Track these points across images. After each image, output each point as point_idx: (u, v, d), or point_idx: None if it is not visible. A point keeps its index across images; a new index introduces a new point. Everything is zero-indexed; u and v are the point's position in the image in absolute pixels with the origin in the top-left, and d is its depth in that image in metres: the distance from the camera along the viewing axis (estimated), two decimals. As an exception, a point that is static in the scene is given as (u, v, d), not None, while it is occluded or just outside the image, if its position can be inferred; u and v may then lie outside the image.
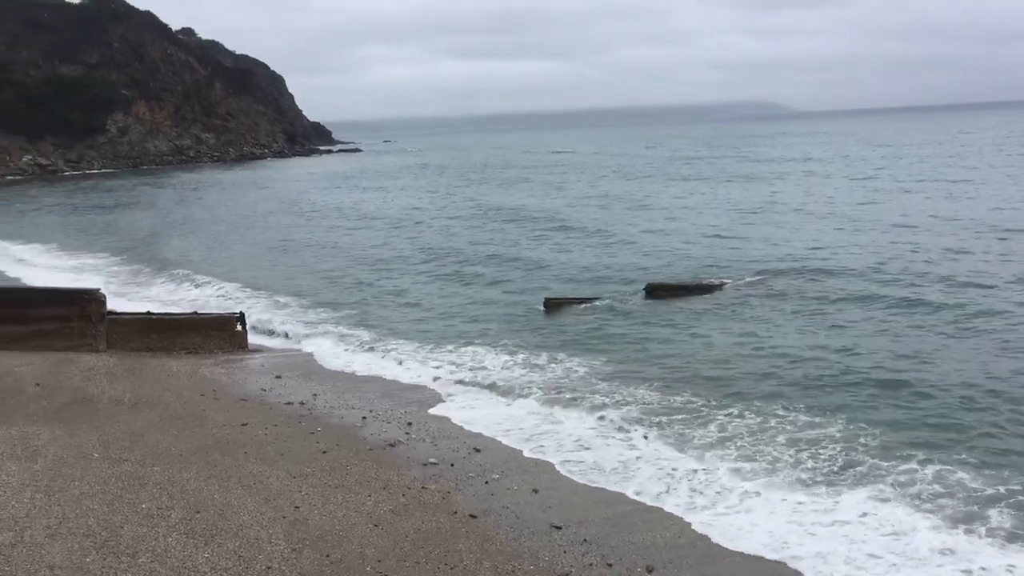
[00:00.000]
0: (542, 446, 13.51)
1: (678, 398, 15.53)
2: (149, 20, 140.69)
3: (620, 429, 14.07)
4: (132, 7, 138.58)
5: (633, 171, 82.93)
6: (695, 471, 12.22)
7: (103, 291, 20.26)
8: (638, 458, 12.82)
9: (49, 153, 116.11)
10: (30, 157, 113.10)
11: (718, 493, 11.52)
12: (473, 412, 15.23)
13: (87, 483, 11.05)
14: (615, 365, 17.96)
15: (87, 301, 19.20)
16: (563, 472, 12.50)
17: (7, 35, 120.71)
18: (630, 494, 11.63)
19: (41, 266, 34.10)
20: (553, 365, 17.99)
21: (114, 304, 21.71)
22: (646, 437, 13.68)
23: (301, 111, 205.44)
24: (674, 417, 14.54)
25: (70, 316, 18.92)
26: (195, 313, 21.58)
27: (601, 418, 14.66)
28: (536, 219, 45.06)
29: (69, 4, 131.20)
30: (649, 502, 11.38)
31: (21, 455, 11.96)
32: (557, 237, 37.97)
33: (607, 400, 15.54)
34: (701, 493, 11.54)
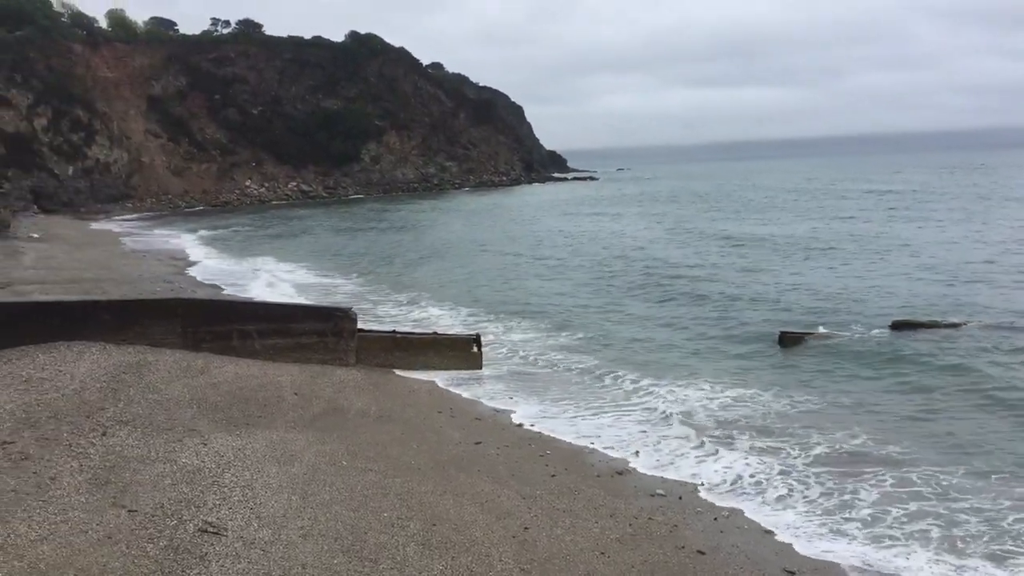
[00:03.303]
0: (776, 486, 13.02)
1: (915, 448, 14.49)
2: (402, 56, 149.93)
3: (857, 477, 13.30)
4: (388, 44, 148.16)
5: (872, 201, 78.42)
6: (931, 532, 11.38)
7: (354, 309, 21.76)
8: (875, 509, 12.08)
9: (311, 180, 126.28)
10: (295, 184, 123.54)
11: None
12: (700, 447, 14.93)
13: (336, 489, 11.87)
14: (854, 404, 17.06)
15: (341, 318, 20.69)
16: (796, 515, 11.99)
17: (279, 72, 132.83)
18: (866, 548, 10.96)
19: (292, 282, 37.03)
20: (786, 403, 17.31)
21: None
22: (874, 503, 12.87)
23: (538, 140, 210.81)
24: (915, 468, 13.57)
25: (325, 332, 20.45)
26: (435, 333, 22.65)
27: (837, 462, 13.94)
28: (771, 249, 43.73)
29: (332, 43, 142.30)
30: (881, 562, 10.68)
31: (280, 458, 13.04)
32: (793, 268, 36.63)
33: (844, 442, 14.77)
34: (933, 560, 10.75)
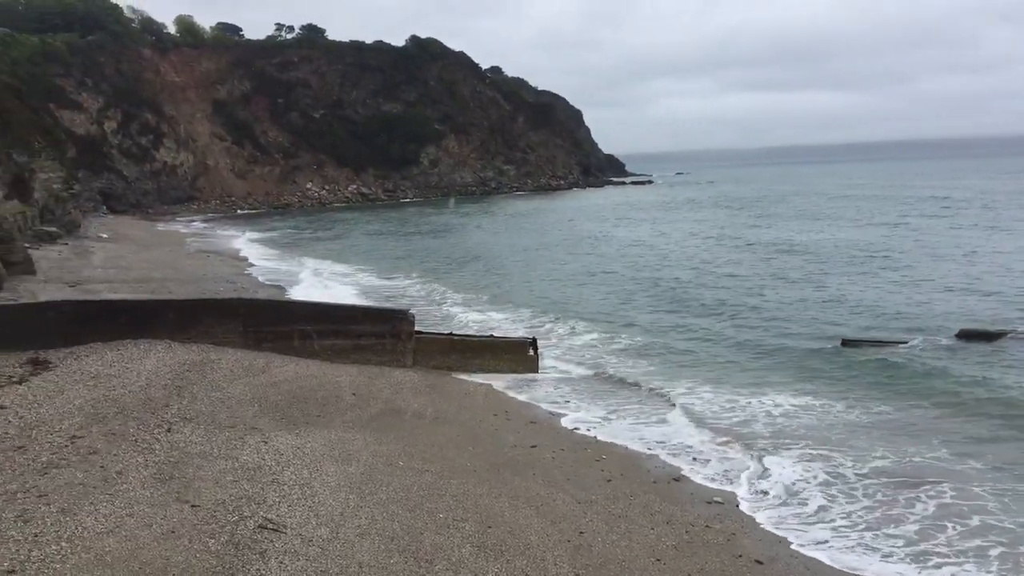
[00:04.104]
0: (834, 497, 12.79)
1: (980, 462, 14.13)
2: (462, 60, 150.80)
3: (916, 490, 12.99)
4: (447, 48, 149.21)
5: (935, 207, 76.56)
6: (990, 550, 11.03)
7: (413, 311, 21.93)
8: (929, 524, 11.79)
9: (370, 183, 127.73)
10: (355, 187, 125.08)
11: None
12: (759, 455, 14.72)
13: (393, 489, 11.97)
14: (917, 415, 16.69)
15: (399, 320, 20.88)
16: (857, 526, 11.77)
17: (341, 76, 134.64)
18: (912, 567, 10.71)
19: (351, 284, 37.45)
20: (847, 413, 17.00)
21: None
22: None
23: (596, 144, 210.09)
24: (978, 484, 13.21)
25: (384, 333, 20.66)
26: (492, 336, 22.73)
27: (898, 474, 13.65)
28: (830, 256, 43.02)
29: (393, 47, 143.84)
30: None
31: (339, 458, 13.20)
32: (853, 275, 35.97)
33: (906, 455, 14.46)
34: None
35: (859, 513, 12.18)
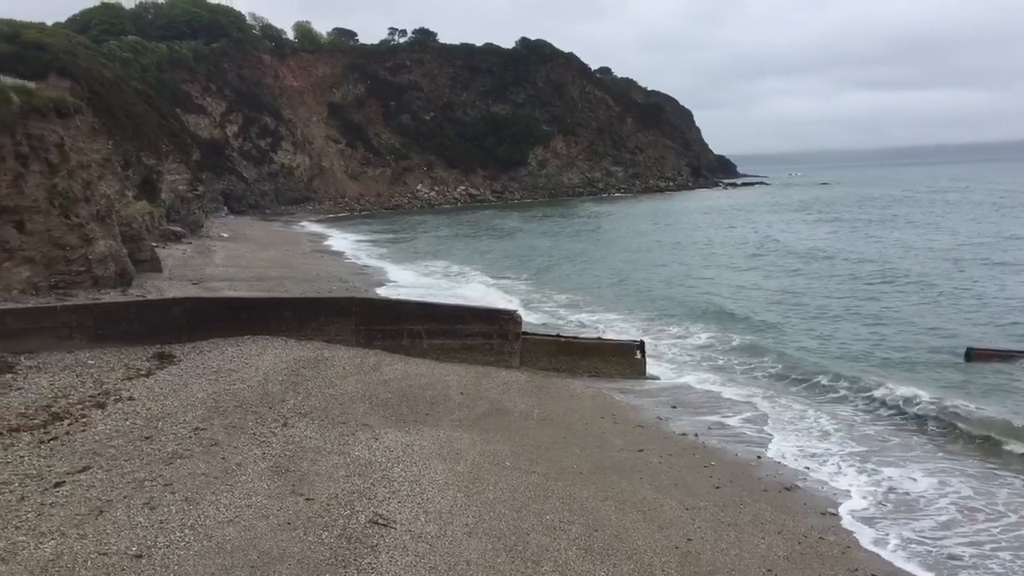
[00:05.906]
0: (956, 508, 12.23)
1: None
2: (571, 61, 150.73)
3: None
4: (557, 49, 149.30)
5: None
6: None
7: (519, 312, 22.03)
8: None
9: (479, 184, 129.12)
10: (463, 188, 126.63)
11: None
12: (878, 465, 14.22)
13: (500, 489, 12.05)
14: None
15: (506, 320, 21.01)
16: (977, 541, 11.23)
17: (451, 79, 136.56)
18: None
19: (465, 282, 37.83)
20: (970, 425, 16.22)
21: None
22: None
23: (707, 145, 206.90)
24: None
25: (491, 334, 20.82)
26: (599, 339, 22.62)
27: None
28: (957, 262, 41.21)
29: (503, 49, 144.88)
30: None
31: (447, 456, 13.37)
32: (968, 283, 34.36)
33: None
34: None
35: (992, 531, 11.59)
